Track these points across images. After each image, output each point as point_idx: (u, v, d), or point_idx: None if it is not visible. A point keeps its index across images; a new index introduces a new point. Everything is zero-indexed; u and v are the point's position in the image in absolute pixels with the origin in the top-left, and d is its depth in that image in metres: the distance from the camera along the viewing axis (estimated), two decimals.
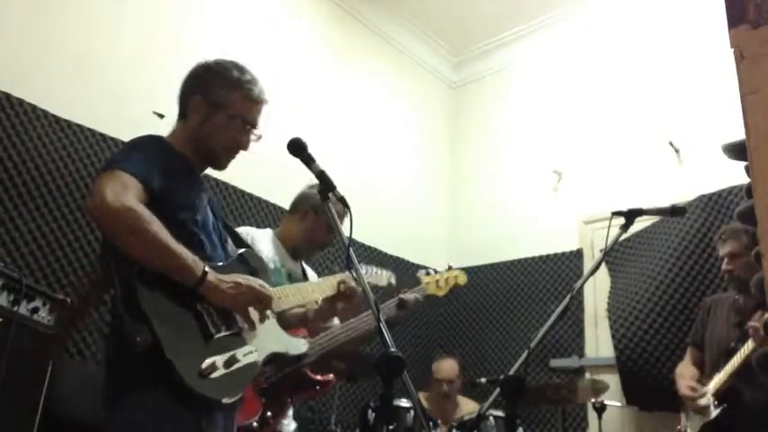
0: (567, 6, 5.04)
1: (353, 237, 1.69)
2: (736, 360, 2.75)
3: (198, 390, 1.51)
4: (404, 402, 2.82)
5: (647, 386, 3.67)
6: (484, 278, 4.90)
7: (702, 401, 2.87)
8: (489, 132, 5.49)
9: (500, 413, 2.93)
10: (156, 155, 1.69)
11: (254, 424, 2.17)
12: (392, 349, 1.51)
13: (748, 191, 0.94)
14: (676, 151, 4.24)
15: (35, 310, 2.29)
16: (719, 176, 3.63)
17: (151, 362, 1.47)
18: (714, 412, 2.82)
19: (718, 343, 2.97)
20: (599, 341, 4.27)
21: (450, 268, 2.94)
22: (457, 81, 5.87)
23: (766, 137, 0.90)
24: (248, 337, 1.70)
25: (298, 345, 1.94)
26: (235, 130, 1.81)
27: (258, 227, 2.94)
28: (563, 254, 4.63)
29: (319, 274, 2.67)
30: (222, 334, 1.63)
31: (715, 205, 3.74)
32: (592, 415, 3.60)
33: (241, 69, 1.86)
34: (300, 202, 2.66)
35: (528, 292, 4.72)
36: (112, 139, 3.31)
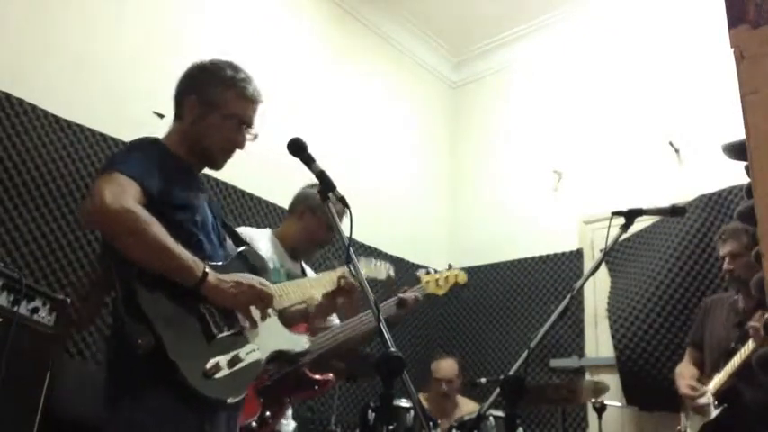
0: (566, 6, 5.04)
1: (353, 237, 1.69)
2: (736, 360, 2.75)
3: (202, 391, 1.51)
4: (404, 402, 2.82)
5: (647, 386, 3.67)
6: (484, 278, 4.90)
7: (702, 400, 2.87)
8: (489, 132, 5.49)
9: (500, 413, 2.92)
10: (154, 156, 1.69)
11: (253, 424, 2.17)
12: (392, 349, 1.51)
13: (748, 191, 0.94)
14: (676, 151, 4.24)
15: (35, 310, 2.29)
16: (719, 176, 3.63)
17: (154, 363, 1.47)
18: (714, 412, 2.82)
19: (718, 343, 2.97)
20: (599, 341, 4.27)
21: (450, 267, 2.94)
22: (457, 81, 5.87)
23: (766, 137, 0.90)
24: (250, 336, 1.71)
25: (300, 341, 1.95)
26: (230, 130, 1.81)
27: (258, 227, 2.94)
28: (563, 254, 4.62)
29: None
30: (224, 334, 1.63)
31: (715, 205, 3.74)
32: (592, 415, 3.60)
33: (235, 68, 1.86)
34: (298, 202, 2.67)
35: (528, 292, 4.72)
36: (112, 139, 3.31)
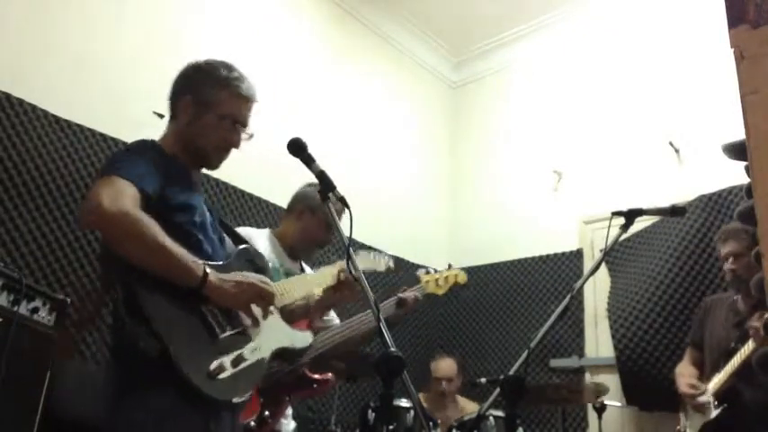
0: (567, 6, 5.04)
1: (353, 236, 1.69)
2: (735, 360, 2.75)
3: (208, 392, 1.51)
4: (404, 402, 2.82)
5: (647, 386, 3.67)
6: (484, 278, 4.90)
7: (702, 398, 2.87)
8: (489, 132, 5.49)
9: (500, 413, 2.92)
10: (149, 159, 1.68)
11: (252, 423, 2.17)
12: (392, 349, 1.51)
13: (748, 191, 0.94)
14: (676, 151, 4.24)
15: (35, 310, 2.29)
16: (719, 176, 3.63)
17: (157, 364, 1.47)
18: (714, 412, 2.82)
19: (718, 343, 2.97)
20: (599, 341, 4.27)
21: (449, 267, 2.94)
22: (457, 81, 5.87)
23: (766, 137, 0.90)
24: (253, 335, 1.71)
25: (304, 338, 1.96)
26: (225, 130, 1.80)
27: (258, 227, 2.94)
28: (563, 254, 4.62)
29: None
30: (227, 333, 1.64)
31: (715, 205, 3.74)
32: (592, 415, 3.60)
33: (229, 68, 1.85)
34: (297, 201, 2.66)
35: (528, 292, 4.72)
36: (112, 139, 3.31)
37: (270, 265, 2.43)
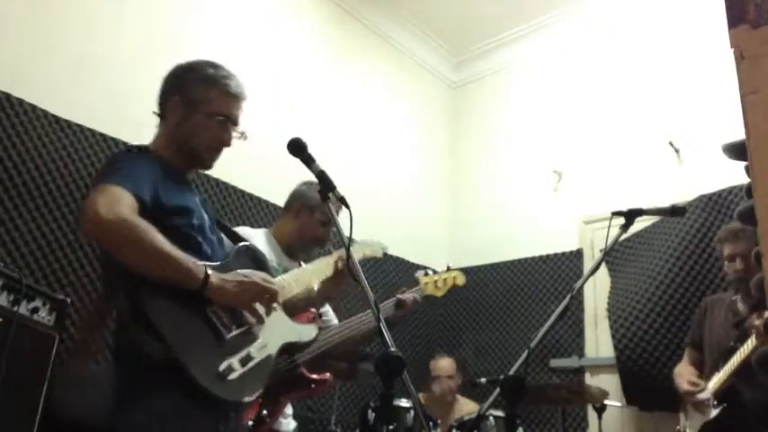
0: (567, 6, 5.04)
1: (353, 236, 1.69)
2: (735, 360, 2.75)
3: (220, 394, 1.51)
4: (404, 402, 2.82)
5: (647, 386, 3.67)
6: (484, 278, 4.90)
7: (702, 396, 2.87)
8: (489, 132, 5.49)
9: (500, 413, 2.92)
10: (142, 164, 1.67)
11: (250, 423, 2.17)
12: (392, 349, 1.51)
13: (748, 191, 0.94)
14: (676, 151, 4.24)
15: (35, 310, 2.29)
16: (719, 176, 3.63)
17: (161, 368, 1.47)
18: (714, 412, 2.82)
19: (718, 343, 2.97)
20: (599, 341, 4.27)
21: (448, 269, 2.94)
22: (457, 81, 5.87)
23: (766, 137, 0.90)
24: (259, 332, 1.71)
25: (309, 331, 1.97)
26: (215, 128, 1.79)
27: (257, 227, 2.94)
28: (563, 254, 4.62)
29: None
30: (233, 333, 1.64)
31: (715, 205, 3.74)
32: (592, 415, 3.60)
33: (216, 66, 1.85)
34: (294, 199, 2.66)
35: (528, 292, 4.72)
36: (112, 139, 3.31)
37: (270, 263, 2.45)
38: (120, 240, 1.50)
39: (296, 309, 2.17)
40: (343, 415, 3.80)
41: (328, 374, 2.48)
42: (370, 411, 2.81)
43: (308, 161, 1.79)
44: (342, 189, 1.77)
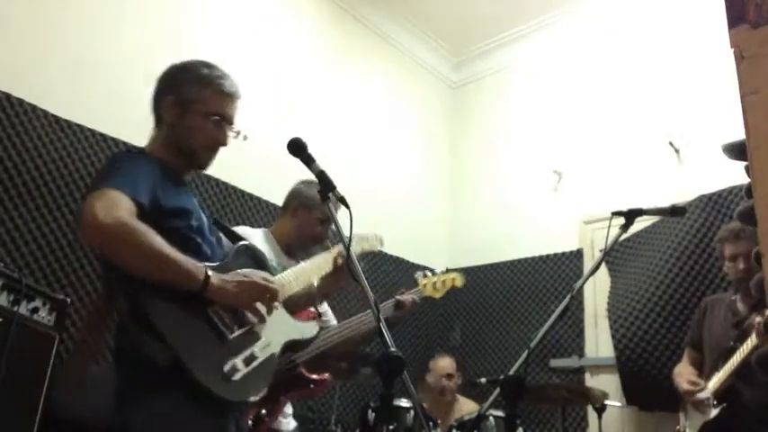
0: (566, 6, 5.04)
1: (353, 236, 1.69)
2: (735, 359, 2.75)
3: (225, 395, 1.51)
4: (404, 402, 2.82)
5: (647, 386, 3.67)
6: (484, 278, 4.90)
7: (702, 395, 2.87)
8: (489, 132, 5.49)
9: (500, 413, 2.92)
10: (139, 167, 1.67)
11: (249, 422, 2.17)
12: (392, 349, 1.51)
13: (748, 191, 0.94)
14: (676, 151, 4.24)
15: (35, 310, 2.29)
16: (719, 176, 3.63)
17: (169, 371, 1.47)
18: (714, 412, 2.82)
19: (717, 343, 2.97)
20: (599, 341, 4.27)
21: (447, 270, 2.95)
22: (457, 81, 5.86)
23: (766, 137, 0.90)
24: (261, 331, 1.71)
25: (311, 328, 1.98)
26: (211, 128, 1.79)
27: (257, 227, 2.94)
28: (563, 254, 4.62)
29: None
30: (236, 334, 1.64)
31: (715, 205, 3.74)
32: (592, 415, 3.60)
33: (210, 66, 1.85)
34: (291, 198, 2.66)
35: (528, 292, 4.72)
36: (112, 139, 3.31)
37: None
38: (120, 244, 1.50)
39: (296, 306, 2.17)
40: (343, 415, 3.80)
41: (327, 375, 2.48)
42: (370, 411, 2.81)
43: (308, 161, 1.79)
44: (342, 189, 1.77)
